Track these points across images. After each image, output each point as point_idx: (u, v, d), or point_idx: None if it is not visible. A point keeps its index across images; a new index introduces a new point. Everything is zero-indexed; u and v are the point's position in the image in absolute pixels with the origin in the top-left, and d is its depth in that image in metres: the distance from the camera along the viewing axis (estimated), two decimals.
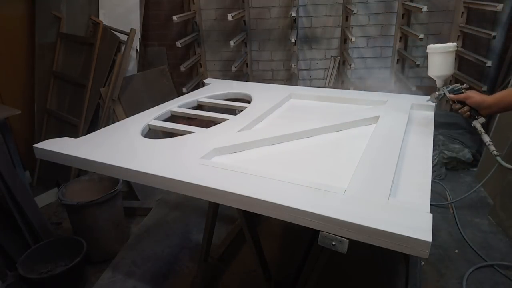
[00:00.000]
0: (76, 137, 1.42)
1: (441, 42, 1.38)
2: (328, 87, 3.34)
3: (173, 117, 1.78)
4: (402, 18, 3.13)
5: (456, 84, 1.37)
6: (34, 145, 1.34)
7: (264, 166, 1.20)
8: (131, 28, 2.77)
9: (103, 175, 2.19)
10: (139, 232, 2.40)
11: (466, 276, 1.89)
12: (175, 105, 1.79)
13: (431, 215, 0.85)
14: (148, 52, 3.60)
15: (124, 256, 2.18)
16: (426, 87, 3.34)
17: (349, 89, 2.98)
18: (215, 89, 2.03)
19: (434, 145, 2.36)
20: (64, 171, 2.78)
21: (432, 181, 1.06)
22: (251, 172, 1.08)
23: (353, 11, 2.85)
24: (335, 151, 1.29)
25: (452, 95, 1.34)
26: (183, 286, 1.94)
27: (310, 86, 3.42)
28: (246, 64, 3.51)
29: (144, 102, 2.91)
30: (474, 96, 1.28)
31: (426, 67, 1.45)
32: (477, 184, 2.62)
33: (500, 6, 2.46)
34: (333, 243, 0.87)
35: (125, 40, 2.79)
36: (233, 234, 2.08)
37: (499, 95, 1.25)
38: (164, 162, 1.17)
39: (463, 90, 1.33)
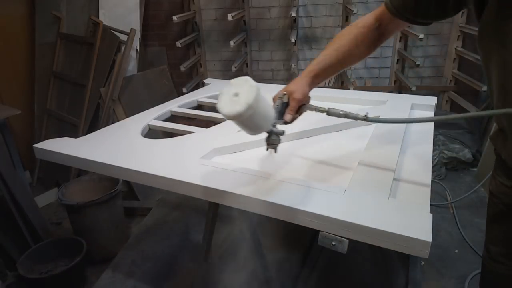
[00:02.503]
0: (76, 137, 1.42)
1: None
2: (328, 87, 3.34)
3: (173, 117, 1.78)
4: None
5: (275, 105, 1.02)
6: (34, 145, 1.34)
7: (264, 166, 1.20)
8: (131, 28, 2.77)
9: (103, 175, 2.19)
10: (139, 232, 2.40)
11: (469, 279, 1.88)
12: (175, 105, 1.79)
13: (431, 215, 0.85)
14: (148, 52, 3.59)
15: (124, 256, 2.17)
16: (426, 87, 3.34)
17: (349, 89, 2.98)
18: (215, 89, 2.03)
19: (434, 145, 2.36)
20: (64, 171, 2.78)
21: (432, 181, 1.06)
22: (251, 172, 1.08)
23: (353, 11, 2.85)
24: (335, 151, 1.29)
25: (290, 116, 1.02)
26: (183, 286, 1.94)
27: None
28: (246, 64, 3.51)
29: (144, 102, 2.91)
30: (297, 90, 1.03)
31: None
32: (477, 184, 2.62)
33: None
34: (333, 243, 0.87)
35: (125, 40, 2.78)
36: (233, 234, 2.08)
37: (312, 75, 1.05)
38: (164, 162, 1.17)
39: (284, 95, 1.03)
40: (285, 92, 1.04)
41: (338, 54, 1.04)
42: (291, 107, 1.03)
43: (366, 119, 1.00)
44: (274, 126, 0.99)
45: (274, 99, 1.05)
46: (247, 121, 0.90)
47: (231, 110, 0.86)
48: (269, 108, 0.96)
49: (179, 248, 2.21)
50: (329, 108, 1.04)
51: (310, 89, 1.07)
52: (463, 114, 0.88)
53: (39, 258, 1.98)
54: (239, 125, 0.94)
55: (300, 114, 1.07)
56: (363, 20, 1.04)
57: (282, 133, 1.01)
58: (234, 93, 0.88)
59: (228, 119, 0.89)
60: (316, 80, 1.07)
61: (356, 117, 1.01)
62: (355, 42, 1.03)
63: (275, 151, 1.04)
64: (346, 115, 1.02)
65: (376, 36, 1.04)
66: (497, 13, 0.76)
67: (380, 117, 1.12)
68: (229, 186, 1.01)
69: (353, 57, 1.07)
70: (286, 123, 1.03)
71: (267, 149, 1.04)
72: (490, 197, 1.07)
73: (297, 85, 1.04)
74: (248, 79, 0.90)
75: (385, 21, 1.01)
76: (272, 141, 1.02)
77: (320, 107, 1.05)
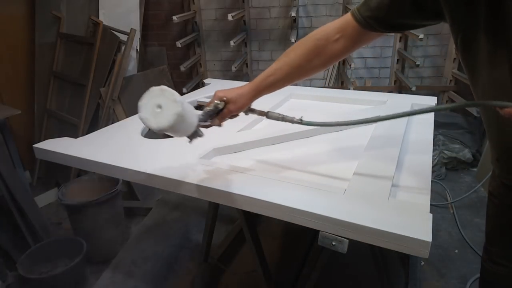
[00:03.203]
0: (76, 137, 1.42)
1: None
2: (328, 87, 3.34)
3: None
4: None
5: (208, 108, 1.01)
6: (34, 145, 1.34)
7: (264, 166, 1.20)
8: (131, 28, 2.77)
9: (103, 175, 2.19)
10: (139, 232, 2.40)
11: (471, 282, 1.88)
12: None
13: (431, 215, 0.85)
14: (148, 52, 3.59)
15: (124, 256, 2.18)
16: (426, 87, 3.34)
17: (349, 89, 2.98)
18: (215, 89, 2.02)
19: (434, 145, 2.36)
20: (64, 171, 2.78)
21: (432, 181, 1.06)
22: (251, 172, 1.09)
23: None
24: (335, 151, 1.29)
25: (218, 122, 1.03)
26: (183, 286, 1.94)
27: (310, 86, 3.42)
28: (246, 64, 3.51)
29: None
30: (236, 103, 1.02)
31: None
32: (477, 184, 2.62)
33: None
34: (333, 243, 0.87)
35: (125, 40, 2.78)
36: (233, 234, 2.08)
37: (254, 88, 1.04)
38: (164, 162, 1.17)
39: (221, 102, 1.00)
40: (224, 98, 1.01)
41: (288, 69, 1.00)
42: (223, 116, 1.02)
43: (300, 122, 1.01)
44: (197, 128, 0.99)
45: (211, 101, 1.02)
46: (167, 132, 0.91)
47: (152, 122, 0.86)
48: (192, 119, 0.95)
49: (179, 248, 2.22)
50: (268, 111, 1.05)
51: (251, 102, 1.06)
52: (427, 108, 0.87)
53: (39, 258, 1.98)
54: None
55: (230, 118, 1.06)
56: (321, 31, 0.97)
57: (202, 135, 1.02)
58: (158, 104, 0.87)
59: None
60: (261, 94, 1.05)
61: (291, 121, 1.03)
62: (307, 57, 0.97)
63: (190, 142, 1.03)
64: (283, 118, 1.04)
65: (335, 49, 0.96)
66: (484, 34, 0.74)
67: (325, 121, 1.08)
68: (229, 186, 1.01)
69: (305, 72, 1.02)
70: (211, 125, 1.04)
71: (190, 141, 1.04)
72: (490, 197, 1.06)
73: (239, 97, 1.02)
74: (174, 93, 0.87)
75: (350, 32, 0.93)
76: (191, 137, 1.01)
77: (261, 111, 1.06)
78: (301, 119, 1.01)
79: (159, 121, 0.86)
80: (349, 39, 0.94)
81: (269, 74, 1.03)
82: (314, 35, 0.98)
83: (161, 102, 0.87)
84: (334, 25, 0.96)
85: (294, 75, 1.02)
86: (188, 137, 1.01)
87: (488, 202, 1.07)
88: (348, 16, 0.94)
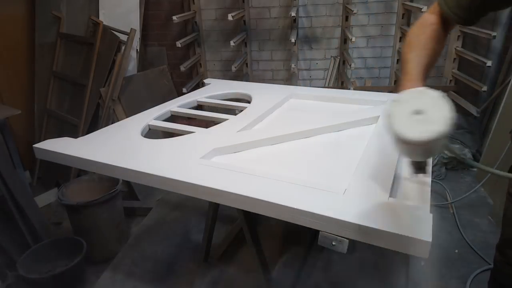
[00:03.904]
0: (76, 137, 1.42)
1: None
2: (328, 87, 3.34)
3: (173, 117, 1.78)
4: (402, 18, 3.13)
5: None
6: (34, 145, 1.34)
7: (264, 166, 1.20)
8: (131, 28, 2.77)
9: (103, 175, 2.19)
10: (139, 232, 2.40)
11: (471, 279, 1.88)
12: (175, 105, 1.79)
13: (431, 215, 0.85)
14: (148, 52, 3.59)
15: (124, 256, 2.17)
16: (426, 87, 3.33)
17: (349, 89, 2.98)
18: (215, 89, 2.03)
19: None
20: (64, 171, 2.78)
21: (432, 181, 1.06)
22: (251, 172, 1.08)
23: (353, 11, 2.85)
24: (335, 151, 1.29)
25: None
26: (183, 286, 1.94)
27: (310, 86, 3.42)
28: (246, 64, 3.51)
29: (144, 102, 2.91)
30: None
31: None
32: (477, 184, 2.61)
33: None
34: (333, 243, 0.87)
35: (125, 40, 2.79)
36: (233, 234, 2.08)
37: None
38: (164, 162, 1.17)
39: None
40: None
41: (428, 52, 0.97)
42: None
43: (464, 160, 0.96)
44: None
45: None
46: (436, 143, 0.71)
47: (421, 132, 0.68)
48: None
49: (179, 248, 2.21)
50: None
51: None
52: None
53: (39, 258, 1.98)
54: (418, 151, 0.75)
55: None
56: (429, 19, 1.01)
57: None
58: (414, 110, 0.71)
59: (412, 144, 0.70)
60: (424, 83, 0.94)
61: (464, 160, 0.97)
62: (434, 41, 0.99)
63: (419, 173, 0.91)
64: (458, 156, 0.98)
65: (445, 33, 1.02)
66: None
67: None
68: (229, 186, 1.01)
69: (437, 53, 1.02)
70: None
71: (416, 173, 0.90)
72: (510, 198, 1.05)
73: None
74: (423, 90, 0.74)
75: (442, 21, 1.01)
76: (423, 164, 0.88)
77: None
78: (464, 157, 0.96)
79: (427, 129, 0.68)
80: (444, 24, 1.01)
81: (418, 61, 0.96)
82: (424, 23, 1.01)
83: (418, 107, 0.71)
84: (435, 12, 1.01)
85: (434, 58, 1.01)
86: (419, 164, 0.89)
87: (506, 204, 1.06)
88: (437, 6, 1.00)
